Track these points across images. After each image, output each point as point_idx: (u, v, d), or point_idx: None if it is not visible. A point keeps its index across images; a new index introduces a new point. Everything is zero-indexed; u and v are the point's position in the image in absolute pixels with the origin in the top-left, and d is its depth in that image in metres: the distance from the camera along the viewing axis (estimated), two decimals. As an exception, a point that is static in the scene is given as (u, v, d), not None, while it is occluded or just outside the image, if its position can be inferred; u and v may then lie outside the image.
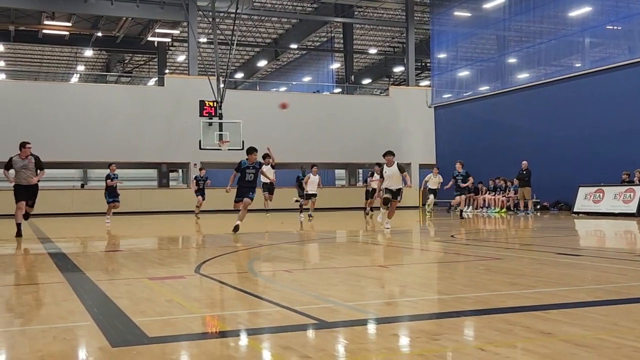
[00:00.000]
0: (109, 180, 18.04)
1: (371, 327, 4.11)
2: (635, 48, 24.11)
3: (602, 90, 22.61)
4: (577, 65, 27.25)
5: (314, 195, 19.67)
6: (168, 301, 5.12)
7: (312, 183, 19.60)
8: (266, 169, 17.46)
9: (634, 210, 19.03)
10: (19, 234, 12.20)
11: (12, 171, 12.24)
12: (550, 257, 8.31)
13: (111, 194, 18.09)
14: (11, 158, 12.27)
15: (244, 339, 3.81)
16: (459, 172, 20.03)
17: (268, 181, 20.09)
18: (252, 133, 27.38)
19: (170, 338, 3.78)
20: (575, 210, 21.22)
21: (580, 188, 21.41)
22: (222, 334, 3.97)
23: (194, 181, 21.94)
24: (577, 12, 26.19)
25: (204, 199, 21.71)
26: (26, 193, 12.39)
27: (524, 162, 22.28)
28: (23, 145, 12.36)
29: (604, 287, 5.59)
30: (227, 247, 10.34)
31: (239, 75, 47.52)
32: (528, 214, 21.60)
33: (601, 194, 20.66)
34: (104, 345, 3.59)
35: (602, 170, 21.14)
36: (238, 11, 27.97)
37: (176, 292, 5.63)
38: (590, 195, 21.03)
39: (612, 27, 25.59)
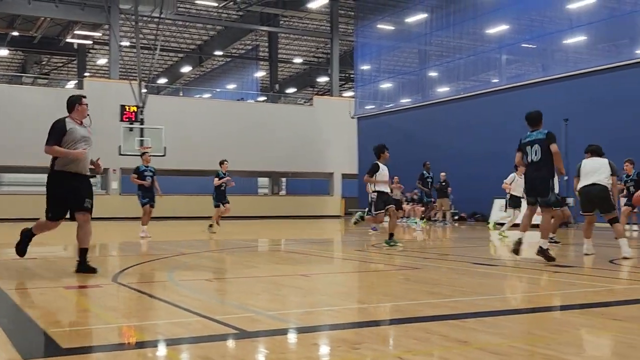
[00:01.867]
0: None
1: (292, 337, 4.11)
2: (548, 66, 25.21)
3: (517, 106, 23.38)
4: (494, 80, 28.22)
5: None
6: (84, 311, 4.97)
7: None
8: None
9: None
10: None
11: None
12: (467, 266, 8.53)
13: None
14: None
15: (162, 350, 3.74)
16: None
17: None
18: (174, 139, 26.98)
19: (86, 349, 3.67)
20: (490, 221, 21.86)
21: (496, 200, 22.09)
22: (140, 345, 3.88)
23: (218, 179, 16.66)
24: (495, 30, 27.15)
25: (225, 204, 16.80)
26: None
27: (443, 173, 22.82)
28: None
29: (517, 296, 5.79)
30: (147, 255, 10.12)
31: (162, 81, 46.75)
32: (446, 224, 22.12)
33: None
34: (14, 357, 3.45)
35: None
36: (162, 16, 27.56)
37: (92, 301, 5.47)
38: (504, 207, 21.72)
39: (527, 45, 26.66)
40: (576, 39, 24.45)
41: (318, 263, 9.64)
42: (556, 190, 9.09)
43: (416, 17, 30.02)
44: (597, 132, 19.86)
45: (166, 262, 9.15)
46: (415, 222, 23.77)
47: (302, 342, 3.97)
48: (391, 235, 11.42)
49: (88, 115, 7.64)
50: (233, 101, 36.35)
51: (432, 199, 20.06)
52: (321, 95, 42.35)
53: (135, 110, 26.73)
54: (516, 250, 8.67)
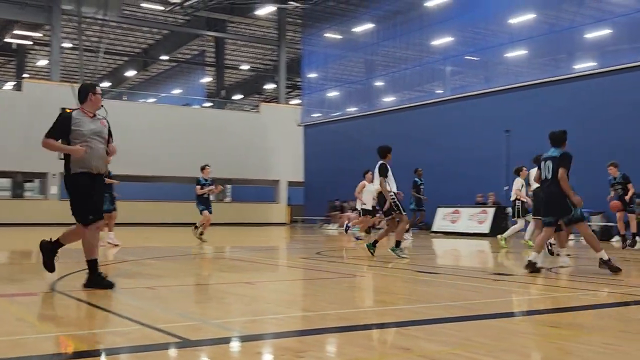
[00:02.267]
0: None
1: (235, 345, 4.06)
2: (491, 78, 25.79)
3: (461, 117, 23.91)
4: (439, 91, 28.74)
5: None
6: (18, 320, 4.80)
7: None
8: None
9: (487, 230, 20.22)
10: None
11: None
12: (410, 274, 8.62)
13: None
14: None
15: (101, 360, 3.64)
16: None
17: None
18: (117, 145, 26.49)
19: (20, 360, 3.54)
20: (433, 229, 22.20)
21: (439, 209, 22.44)
22: (77, 355, 3.77)
23: (200, 187, 15.72)
24: (440, 42, 27.64)
25: (210, 212, 15.83)
26: None
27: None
28: None
29: (459, 304, 5.87)
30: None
31: (105, 84, 45.84)
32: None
33: (458, 215, 21.78)
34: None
35: (459, 192, 22.29)
36: (106, 18, 27.06)
37: (28, 310, 5.30)
38: (447, 216, 22.11)
39: (470, 58, 27.25)
40: (517, 53, 25.12)
41: (263, 271, 9.58)
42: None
43: (363, 27, 30.32)
44: (537, 143, 20.38)
45: (107, 269, 8.94)
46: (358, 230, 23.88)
47: (246, 350, 3.92)
48: (398, 243, 10.80)
49: (102, 106, 6.82)
50: (178, 106, 35.93)
51: (423, 207, 19.48)
52: (268, 102, 42.27)
53: (77, 113, 26.12)
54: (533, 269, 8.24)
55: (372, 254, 10.90)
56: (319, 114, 33.46)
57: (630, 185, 13.80)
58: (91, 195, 6.46)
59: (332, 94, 33.58)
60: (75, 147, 6.35)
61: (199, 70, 41.62)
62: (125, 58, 43.36)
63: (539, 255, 8.55)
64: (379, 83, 31.37)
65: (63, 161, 6.51)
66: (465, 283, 7.70)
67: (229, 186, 40.65)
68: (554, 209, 8.37)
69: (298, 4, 30.00)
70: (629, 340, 4.27)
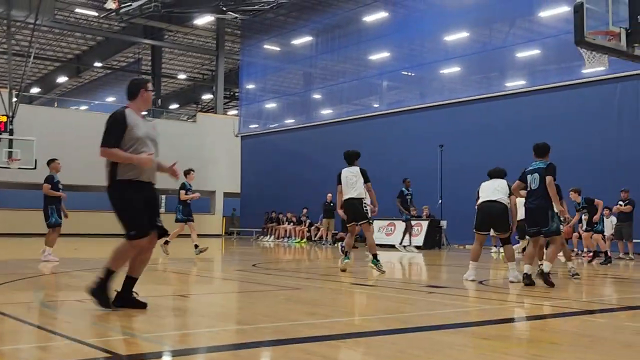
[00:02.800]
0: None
1: (168, 360, 3.99)
2: (426, 93, 26.29)
3: (396, 131, 24.28)
4: (375, 105, 29.11)
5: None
6: (-62, 335, 4.59)
7: None
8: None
9: (420, 243, 20.51)
10: None
11: None
12: (346, 287, 8.66)
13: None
14: None
15: (27, 376, 3.51)
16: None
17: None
18: (47, 152, 25.68)
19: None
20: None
21: (374, 221, 22.63)
22: (2, 371, 3.63)
23: (185, 192, 15.06)
24: (377, 57, 28.03)
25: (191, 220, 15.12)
26: None
27: (329, 194, 23.14)
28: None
29: (393, 316, 5.93)
30: (13, 274, 9.52)
31: (35, 90, 44.57)
32: (326, 245, 22.40)
33: (393, 227, 22.03)
34: None
35: (393, 205, 22.56)
36: (37, 22, 26.34)
37: (-51, 324, 5.07)
38: (383, 228, 22.33)
39: (406, 73, 27.74)
40: (451, 70, 25.73)
41: (197, 283, 9.45)
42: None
43: (302, 40, 30.48)
44: (470, 158, 20.92)
45: (33, 281, 8.65)
46: (297, 242, 23.92)
47: (179, 365, 3.85)
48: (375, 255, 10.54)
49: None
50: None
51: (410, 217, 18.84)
52: (205, 112, 41.90)
53: (5, 120, 25.31)
54: (530, 282, 8.34)
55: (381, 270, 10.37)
56: (257, 125, 33.38)
57: (598, 204, 14.26)
58: (140, 206, 5.68)
59: (270, 105, 33.57)
60: (142, 156, 5.62)
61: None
62: (57, 64, 42.27)
63: (474, 267, 8.84)
64: (316, 95, 31.55)
65: (107, 169, 5.72)
66: (399, 295, 7.79)
67: (163, 197, 40.01)
68: (538, 220, 8.50)
69: (237, 15, 29.92)
70: (558, 351, 4.40)
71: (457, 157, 21.12)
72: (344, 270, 10.32)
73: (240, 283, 9.50)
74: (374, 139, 24.94)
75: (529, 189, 8.58)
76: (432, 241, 20.75)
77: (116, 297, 5.73)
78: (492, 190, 9.21)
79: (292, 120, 32.04)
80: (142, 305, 5.75)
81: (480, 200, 9.29)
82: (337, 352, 4.16)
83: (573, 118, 19.08)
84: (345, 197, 10.48)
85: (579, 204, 14.30)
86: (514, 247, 13.73)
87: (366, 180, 10.48)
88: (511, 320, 5.92)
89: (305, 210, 25.83)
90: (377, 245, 21.11)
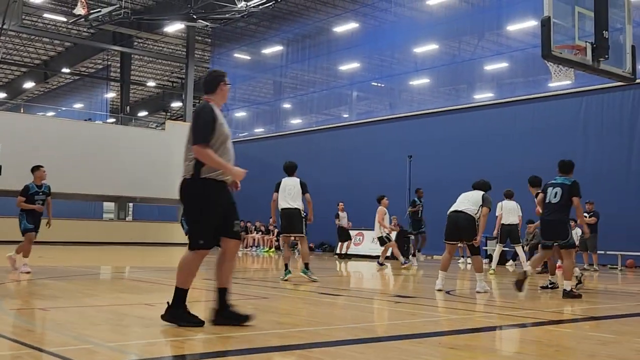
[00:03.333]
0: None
1: (133, 369, 3.93)
2: (395, 104, 26.50)
3: (366, 141, 24.39)
4: (345, 115, 29.22)
5: None
6: None
7: None
8: None
9: (389, 253, 20.56)
10: None
11: None
12: (314, 296, 8.64)
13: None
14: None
15: (-14, 386, 3.43)
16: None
17: None
18: (12, 158, 25.29)
19: None
20: (337, 251, 22.40)
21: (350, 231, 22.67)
22: (-40, 381, 3.54)
23: None
24: (347, 67, 28.19)
25: None
26: None
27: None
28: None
29: (361, 326, 5.93)
30: (-26, 282, 9.32)
31: (1, 95, 43.88)
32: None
33: (361, 237, 22.09)
34: None
35: (363, 215, 22.62)
36: (5, 27, 25.93)
37: None
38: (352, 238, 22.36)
39: (376, 84, 27.92)
40: (421, 81, 25.98)
41: (164, 292, 9.33)
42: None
43: (272, 49, 30.51)
44: (438, 169, 21.12)
45: (-4, 289, 8.47)
46: (265, 251, 23.83)
47: (144, 374, 3.80)
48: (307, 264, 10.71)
49: None
50: (79, 121, 34.72)
51: (423, 230, 17.50)
52: (174, 120, 41.63)
53: (-31, 125, 24.83)
54: (520, 286, 8.63)
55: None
56: (226, 134, 33.26)
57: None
58: (218, 214, 5.32)
59: (240, 114, 33.50)
60: (238, 170, 5.37)
61: (103, 84, 40.50)
62: (24, 69, 41.68)
63: (443, 276, 9.09)
64: (286, 105, 31.58)
65: (190, 162, 5.23)
66: (367, 305, 7.80)
67: (130, 205, 39.59)
68: (555, 233, 8.82)
69: (207, 23, 29.83)
70: (521, 360, 4.43)
71: (426, 168, 21.28)
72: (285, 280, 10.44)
73: (207, 292, 9.42)
74: (343, 149, 25.02)
75: (547, 201, 8.86)
76: (401, 251, 20.80)
77: (214, 313, 5.44)
78: (462, 200, 9.39)
79: (262, 130, 32.01)
80: (246, 318, 5.40)
81: (449, 210, 9.43)
82: (304, 361, 4.14)
83: (540, 130, 19.38)
84: (283, 206, 10.69)
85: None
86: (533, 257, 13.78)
87: (305, 191, 10.68)
88: (478, 330, 5.96)
89: (272, 220, 25.71)
90: (348, 255, 21.20)
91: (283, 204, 10.70)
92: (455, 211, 9.28)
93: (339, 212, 21.35)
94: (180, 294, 5.32)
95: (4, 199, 31.28)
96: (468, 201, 9.31)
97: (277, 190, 10.91)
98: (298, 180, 10.86)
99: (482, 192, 9.50)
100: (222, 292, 5.45)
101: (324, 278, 12.47)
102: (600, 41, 8.49)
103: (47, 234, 22.74)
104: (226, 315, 5.40)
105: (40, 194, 11.18)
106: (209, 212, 5.26)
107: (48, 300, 7.55)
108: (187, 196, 5.30)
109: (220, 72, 5.64)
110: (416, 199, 17.81)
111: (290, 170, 11.09)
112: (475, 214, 9.21)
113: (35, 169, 11.35)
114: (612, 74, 9.00)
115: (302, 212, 10.66)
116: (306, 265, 10.66)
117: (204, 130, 5.19)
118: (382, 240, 15.96)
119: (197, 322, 5.30)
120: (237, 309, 5.47)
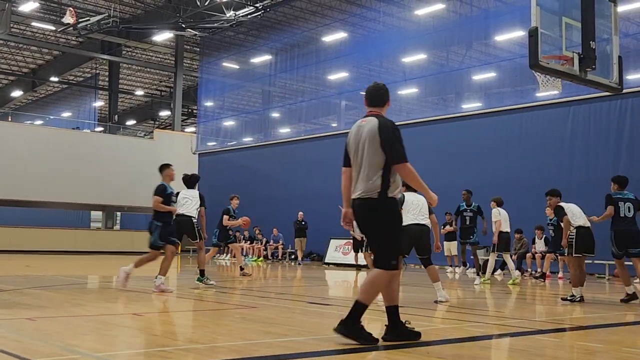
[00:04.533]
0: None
1: (120, 380, 3.90)
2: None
3: (355, 150, 24.38)
4: (334, 125, 29.26)
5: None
6: None
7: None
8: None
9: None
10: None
11: None
12: (302, 305, 8.62)
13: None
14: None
15: (-29, 397, 3.39)
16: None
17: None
18: (0, 167, 25.16)
19: None
20: (326, 261, 22.39)
21: (332, 240, 22.68)
22: (-55, 392, 3.50)
23: (228, 217, 14.65)
24: (336, 76, 28.25)
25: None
26: None
27: (300, 212, 23.07)
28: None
29: (350, 335, 5.90)
30: (-41, 292, 9.23)
31: (-12, 104, 43.66)
32: (299, 263, 22.30)
33: (349, 247, 22.07)
34: None
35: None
36: (-8, 35, 25.83)
37: None
38: (340, 247, 22.37)
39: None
40: (409, 91, 26.05)
41: (151, 301, 9.30)
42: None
43: (261, 58, 30.54)
44: (426, 178, 21.05)
45: (-18, 299, 8.40)
46: (254, 260, 23.79)
47: (131, 385, 3.78)
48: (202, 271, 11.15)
49: None
50: (67, 130, 34.57)
51: (471, 239, 14.90)
52: (162, 129, 41.53)
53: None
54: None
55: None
56: (214, 143, 33.20)
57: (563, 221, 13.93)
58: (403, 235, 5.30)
59: (229, 123, 33.46)
60: (434, 194, 5.55)
61: (91, 93, 40.35)
62: (12, 77, 41.49)
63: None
64: (275, 114, 31.58)
65: (375, 181, 5.10)
66: (356, 314, 7.77)
67: (118, 214, 39.39)
68: (635, 243, 9.60)
69: (196, 32, 29.84)
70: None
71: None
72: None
73: (195, 301, 9.38)
74: (331, 158, 24.92)
75: (622, 215, 9.57)
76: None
77: (387, 331, 5.31)
78: (418, 211, 9.06)
79: (251, 139, 31.98)
80: (417, 336, 5.32)
81: (407, 222, 8.65)
82: (293, 371, 4.13)
83: (527, 140, 19.48)
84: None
85: (550, 220, 13.87)
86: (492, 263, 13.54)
87: (202, 204, 10.93)
88: (467, 339, 5.96)
89: (257, 230, 25.71)
90: (335, 264, 21.14)
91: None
92: (418, 224, 8.98)
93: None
94: (361, 310, 5.15)
95: (-10, 208, 31.08)
96: (422, 211, 9.09)
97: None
98: (198, 192, 11.19)
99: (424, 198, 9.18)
100: (392, 310, 5.30)
101: (311, 287, 12.47)
102: (588, 51, 8.56)
103: (35, 243, 22.56)
104: (398, 332, 5.29)
105: (172, 196, 10.20)
106: (400, 232, 5.23)
107: (35, 310, 7.49)
108: (379, 217, 5.15)
109: (384, 85, 5.74)
110: (462, 204, 15.05)
111: (189, 183, 11.30)
112: (429, 224, 9.12)
113: (165, 167, 10.37)
114: (599, 84, 9.08)
115: (193, 220, 10.81)
116: (202, 273, 11.07)
117: (402, 146, 5.15)
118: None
119: (372, 340, 5.14)
120: (410, 328, 5.34)
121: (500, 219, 13.62)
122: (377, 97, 5.56)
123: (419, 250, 9.07)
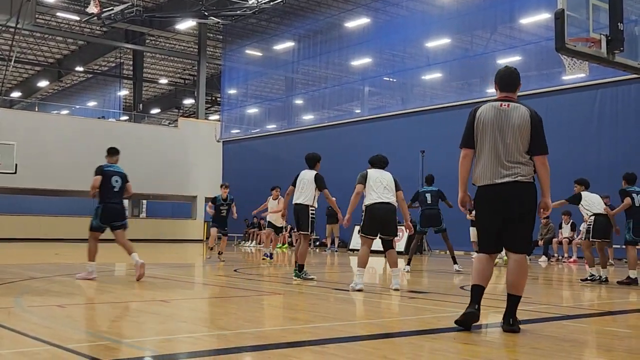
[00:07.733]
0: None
1: (149, 366, 3.96)
2: (407, 99, 26.39)
3: (378, 136, 24.31)
4: (357, 111, 29.15)
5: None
6: None
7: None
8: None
9: (402, 248, 20.55)
10: None
11: None
12: (328, 292, 8.65)
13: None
14: None
15: (5, 383, 3.47)
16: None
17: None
18: (27, 157, 25.49)
19: None
20: (351, 247, 22.41)
21: (357, 226, 22.66)
22: (-20, 378, 3.58)
23: (210, 204, 15.45)
24: (359, 62, 28.10)
25: (225, 234, 15.50)
26: None
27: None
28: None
29: (375, 321, 5.93)
30: (-9, 279, 9.41)
31: (16, 94, 44.19)
32: (335, 250, 22.38)
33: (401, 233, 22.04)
34: None
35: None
36: (18, 26, 26.08)
37: None
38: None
39: (388, 79, 27.82)
40: (433, 76, 25.85)
41: (178, 288, 9.40)
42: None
43: (284, 45, 30.48)
44: (451, 163, 20.95)
45: (13, 286, 8.55)
46: (280, 247, 23.85)
47: (160, 371, 3.83)
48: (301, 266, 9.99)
49: None
50: (93, 119, 34.95)
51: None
52: (186, 117, 41.74)
53: (-16, 124, 25.04)
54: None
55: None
56: (238, 131, 33.30)
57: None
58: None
59: (252, 110, 33.52)
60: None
61: (116, 82, 40.69)
62: (38, 68, 41.95)
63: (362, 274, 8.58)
64: (298, 101, 31.55)
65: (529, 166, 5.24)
66: (380, 301, 7.79)
67: (144, 202, 39.79)
68: None
69: (219, 20, 29.87)
70: (539, 356, 4.42)
71: (439, 163, 21.14)
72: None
73: (221, 288, 9.46)
74: (355, 145, 24.96)
75: (638, 205, 10.26)
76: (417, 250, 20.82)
77: (510, 320, 5.27)
78: (383, 188, 8.57)
79: (274, 126, 32.02)
80: (517, 329, 5.24)
81: (370, 201, 8.54)
82: (319, 357, 4.16)
83: (553, 124, 19.18)
84: (294, 201, 10.10)
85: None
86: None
87: (322, 187, 10.13)
88: (492, 325, 5.94)
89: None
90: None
91: (295, 198, 10.13)
92: (382, 203, 8.54)
93: None
94: (518, 302, 5.27)
95: (19, 197, 31.56)
96: (387, 190, 8.61)
97: (293, 184, 10.30)
98: (314, 173, 10.24)
99: (389, 174, 8.86)
100: (516, 300, 5.28)
101: (335, 274, 12.49)
102: (615, 33, 8.40)
103: (63, 231, 22.81)
104: (516, 324, 5.25)
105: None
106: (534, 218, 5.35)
107: (65, 297, 7.62)
108: (531, 200, 5.26)
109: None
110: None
111: (311, 163, 10.53)
112: (395, 203, 8.65)
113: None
114: (627, 66, 8.91)
115: (310, 209, 10.08)
116: (300, 267, 9.96)
117: (545, 138, 5.35)
118: None
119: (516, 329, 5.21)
120: (516, 320, 5.26)
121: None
122: (512, 80, 5.58)
123: (384, 230, 8.53)
